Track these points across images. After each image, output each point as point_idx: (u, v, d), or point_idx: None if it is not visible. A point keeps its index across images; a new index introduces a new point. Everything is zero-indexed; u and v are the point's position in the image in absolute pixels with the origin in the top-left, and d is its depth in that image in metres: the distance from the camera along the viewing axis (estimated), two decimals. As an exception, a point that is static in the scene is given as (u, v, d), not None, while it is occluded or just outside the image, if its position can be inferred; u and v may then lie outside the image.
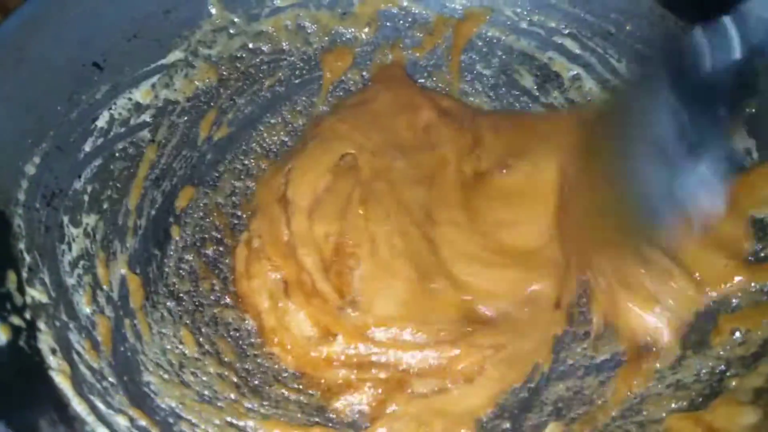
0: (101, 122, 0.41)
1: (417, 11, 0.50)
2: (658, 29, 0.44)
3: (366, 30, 0.50)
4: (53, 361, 0.31)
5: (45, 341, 0.31)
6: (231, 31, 0.47)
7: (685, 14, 0.42)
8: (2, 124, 0.36)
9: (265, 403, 0.37)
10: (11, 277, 0.33)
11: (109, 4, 0.42)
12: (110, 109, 0.42)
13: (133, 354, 0.36)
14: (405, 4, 0.50)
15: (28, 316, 0.32)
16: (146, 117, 0.43)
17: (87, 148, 0.40)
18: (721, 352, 0.36)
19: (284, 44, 0.49)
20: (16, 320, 0.30)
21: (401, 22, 0.50)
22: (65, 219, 0.37)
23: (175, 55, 0.45)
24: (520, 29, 0.48)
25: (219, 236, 0.43)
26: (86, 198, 0.39)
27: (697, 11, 0.41)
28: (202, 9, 0.46)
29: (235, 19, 0.47)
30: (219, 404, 0.36)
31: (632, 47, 0.45)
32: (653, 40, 0.44)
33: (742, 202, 0.38)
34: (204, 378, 0.37)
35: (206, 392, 0.36)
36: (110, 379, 0.33)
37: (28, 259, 0.34)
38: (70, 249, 0.36)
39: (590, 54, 0.47)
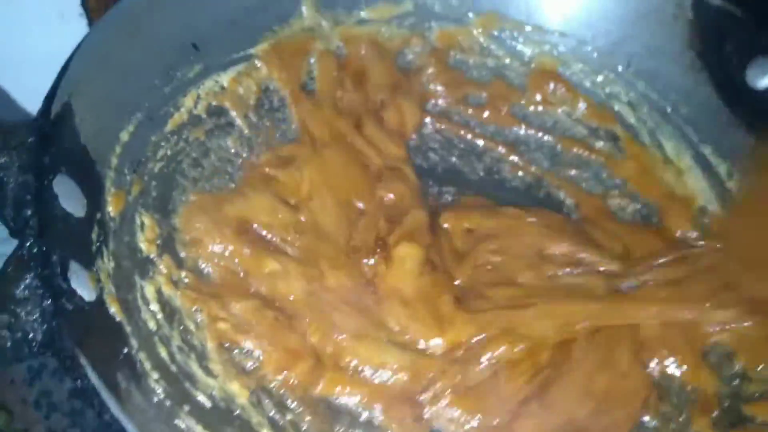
0: (189, 100, 0.44)
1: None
2: (711, 118, 0.47)
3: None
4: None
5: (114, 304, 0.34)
6: (315, 33, 0.50)
7: (740, 113, 0.46)
8: (108, 91, 0.38)
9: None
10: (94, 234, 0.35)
11: (217, -10, 0.45)
12: (198, 88, 0.44)
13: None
14: (481, 39, 0.52)
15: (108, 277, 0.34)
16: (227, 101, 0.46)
17: (171, 123, 0.43)
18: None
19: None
20: (103, 278, 0.33)
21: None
22: (149, 188, 0.40)
23: (263, 47, 0.48)
24: (582, 86, 0.51)
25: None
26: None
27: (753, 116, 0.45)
28: (296, 8, 0.49)
29: (323, 23, 0.50)
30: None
31: (683, 129, 0.49)
32: (704, 126, 0.48)
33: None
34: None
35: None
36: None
37: (111, 225, 0.36)
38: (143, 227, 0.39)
39: (642, 125, 0.50)
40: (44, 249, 0.29)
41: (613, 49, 0.50)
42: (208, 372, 0.35)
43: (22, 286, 0.28)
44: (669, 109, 0.49)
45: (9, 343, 0.26)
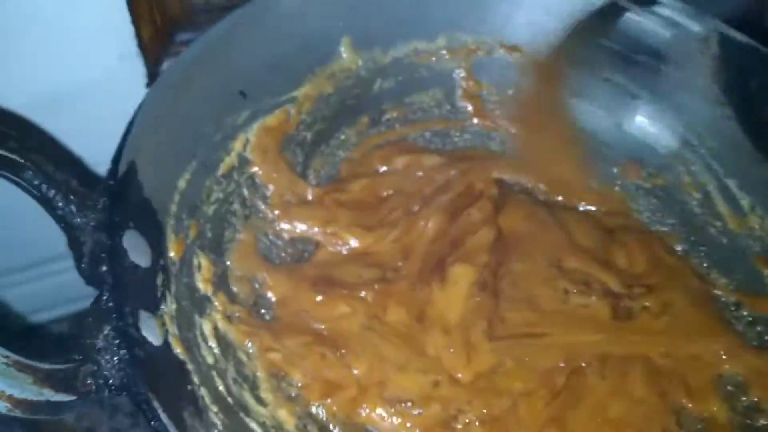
0: (238, 143, 0.48)
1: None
2: (735, 152, 0.49)
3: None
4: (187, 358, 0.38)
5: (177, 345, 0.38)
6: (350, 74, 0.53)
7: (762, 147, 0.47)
8: (166, 144, 0.42)
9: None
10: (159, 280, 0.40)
11: (258, 41, 0.48)
12: (246, 132, 0.48)
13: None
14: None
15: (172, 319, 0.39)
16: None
17: (223, 166, 0.47)
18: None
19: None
20: (167, 321, 0.38)
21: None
22: (204, 230, 0.44)
23: (305, 89, 0.51)
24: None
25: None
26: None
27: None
28: (334, 50, 0.52)
29: (360, 63, 0.53)
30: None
31: (707, 162, 0.50)
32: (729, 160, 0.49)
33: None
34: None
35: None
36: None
37: (173, 269, 0.41)
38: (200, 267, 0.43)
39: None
40: (118, 302, 0.34)
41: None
42: (260, 401, 0.40)
43: (101, 337, 0.33)
44: (695, 142, 0.51)
45: (94, 389, 0.31)
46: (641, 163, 0.53)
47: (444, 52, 0.54)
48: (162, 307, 0.38)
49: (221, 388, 0.38)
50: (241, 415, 0.38)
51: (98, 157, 0.57)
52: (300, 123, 0.51)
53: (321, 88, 0.52)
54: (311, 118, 0.52)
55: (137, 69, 0.58)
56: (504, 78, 0.55)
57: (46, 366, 0.29)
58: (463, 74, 0.55)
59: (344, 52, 0.52)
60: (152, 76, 0.58)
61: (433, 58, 0.54)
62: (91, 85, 0.58)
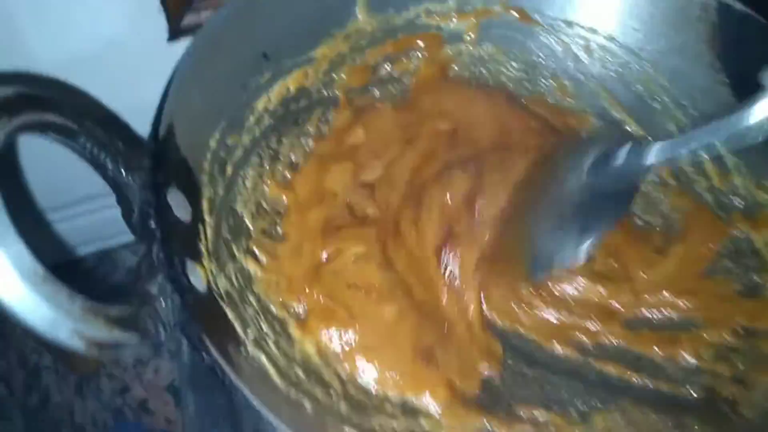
0: (261, 103, 0.51)
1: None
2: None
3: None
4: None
5: (222, 285, 0.43)
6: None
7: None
8: (198, 107, 0.46)
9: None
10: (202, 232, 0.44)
11: (280, 4, 0.51)
12: (268, 92, 0.52)
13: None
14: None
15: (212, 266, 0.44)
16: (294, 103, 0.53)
17: (247, 125, 0.50)
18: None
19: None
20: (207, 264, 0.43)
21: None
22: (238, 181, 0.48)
23: (322, 50, 0.54)
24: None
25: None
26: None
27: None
28: (350, 12, 0.54)
29: (374, 24, 0.56)
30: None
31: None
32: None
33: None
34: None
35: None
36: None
37: (209, 219, 0.45)
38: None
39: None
40: (168, 253, 0.38)
41: (641, 46, 0.55)
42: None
43: (156, 284, 0.37)
44: (688, 103, 0.54)
45: (153, 330, 0.36)
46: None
47: (454, 14, 0.57)
48: (202, 256, 0.42)
49: (258, 327, 0.43)
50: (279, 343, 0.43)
51: (127, 113, 0.61)
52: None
53: (337, 48, 0.54)
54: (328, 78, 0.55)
55: (160, 24, 0.61)
56: (511, 41, 0.58)
57: (113, 310, 0.34)
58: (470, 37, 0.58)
59: (359, 13, 0.54)
60: (174, 32, 0.61)
61: (443, 20, 0.57)
62: (113, 42, 0.61)
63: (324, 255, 0.49)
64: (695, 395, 0.45)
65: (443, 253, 0.49)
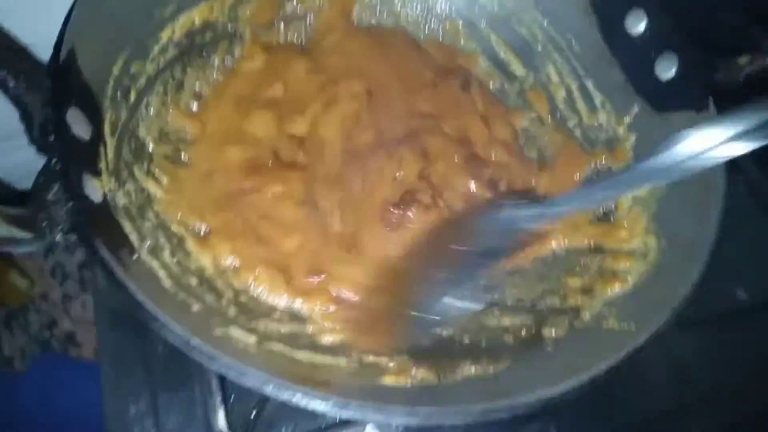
0: (165, 34, 0.54)
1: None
2: (596, 57, 0.58)
3: None
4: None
5: (120, 200, 0.47)
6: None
7: (618, 54, 0.56)
8: (102, 34, 0.48)
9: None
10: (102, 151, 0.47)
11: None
12: (173, 23, 0.55)
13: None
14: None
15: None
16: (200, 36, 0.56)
17: (151, 54, 0.53)
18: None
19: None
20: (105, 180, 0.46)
21: None
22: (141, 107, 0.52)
23: (226, -15, 0.57)
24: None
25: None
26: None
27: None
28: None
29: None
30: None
31: (572, 63, 0.59)
32: (590, 64, 0.58)
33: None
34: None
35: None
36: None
37: (110, 141, 0.48)
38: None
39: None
40: (64, 166, 0.42)
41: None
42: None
43: (52, 193, 0.41)
44: (564, 45, 0.60)
45: (47, 231, 0.40)
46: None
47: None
48: (100, 171, 0.46)
49: (155, 239, 0.47)
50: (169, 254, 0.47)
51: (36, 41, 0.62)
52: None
53: (243, -16, 0.58)
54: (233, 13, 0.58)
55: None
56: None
57: (13, 210, 0.38)
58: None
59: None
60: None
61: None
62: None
63: (241, 187, 0.53)
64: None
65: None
